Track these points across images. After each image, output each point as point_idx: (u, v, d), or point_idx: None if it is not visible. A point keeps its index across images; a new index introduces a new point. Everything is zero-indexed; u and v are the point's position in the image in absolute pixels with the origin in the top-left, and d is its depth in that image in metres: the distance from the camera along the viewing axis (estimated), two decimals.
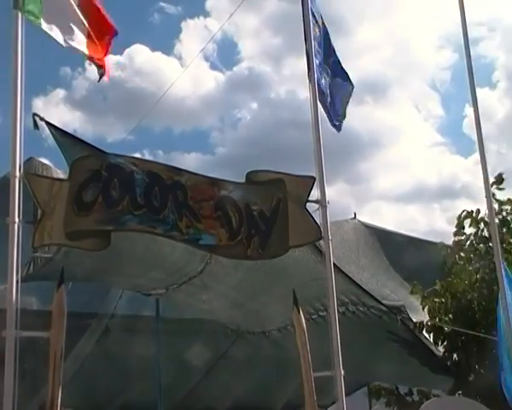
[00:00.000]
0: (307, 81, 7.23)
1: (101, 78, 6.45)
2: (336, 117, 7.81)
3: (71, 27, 5.98)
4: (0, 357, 4.92)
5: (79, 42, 6.06)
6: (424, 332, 11.13)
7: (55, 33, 5.87)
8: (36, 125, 5.54)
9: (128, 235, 6.65)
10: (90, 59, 6.30)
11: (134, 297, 11.01)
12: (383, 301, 10.19)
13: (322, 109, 7.36)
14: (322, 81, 7.46)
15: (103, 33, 6.35)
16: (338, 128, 7.90)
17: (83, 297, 10.35)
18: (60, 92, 33.71)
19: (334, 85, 7.80)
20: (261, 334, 11.18)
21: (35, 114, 5.56)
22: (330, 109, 7.64)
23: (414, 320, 10.95)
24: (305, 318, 6.39)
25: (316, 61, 7.25)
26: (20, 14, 5.54)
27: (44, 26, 5.75)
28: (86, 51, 6.15)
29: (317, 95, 7.17)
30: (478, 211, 11.52)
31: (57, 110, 30.99)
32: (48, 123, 5.67)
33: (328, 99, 7.61)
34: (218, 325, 11.26)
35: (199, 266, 8.73)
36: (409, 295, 12.17)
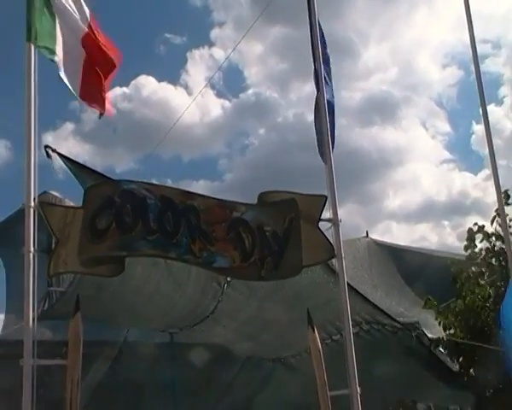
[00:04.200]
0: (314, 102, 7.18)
1: (101, 115, 6.53)
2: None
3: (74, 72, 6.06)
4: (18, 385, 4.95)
5: (74, 84, 6.12)
6: (440, 348, 11.03)
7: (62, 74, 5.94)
8: (48, 155, 5.62)
9: (138, 275, 6.68)
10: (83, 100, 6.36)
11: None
12: (398, 319, 10.15)
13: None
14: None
15: (107, 68, 6.44)
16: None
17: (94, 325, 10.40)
18: (69, 126, 34.03)
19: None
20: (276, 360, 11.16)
21: (47, 146, 5.66)
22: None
23: (429, 336, 10.88)
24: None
25: (325, 81, 7.20)
26: (32, 47, 5.59)
27: (57, 60, 5.82)
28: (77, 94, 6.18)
29: (326, 113, 7.12)
30: (483, 226, 11.60)
31: (67, 143, 31.31)
32: (60, 154, 5.77)
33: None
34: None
35: (211, 305, 8.68)
36: (423, 312, 12.10)
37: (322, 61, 7.19)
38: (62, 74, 5.85)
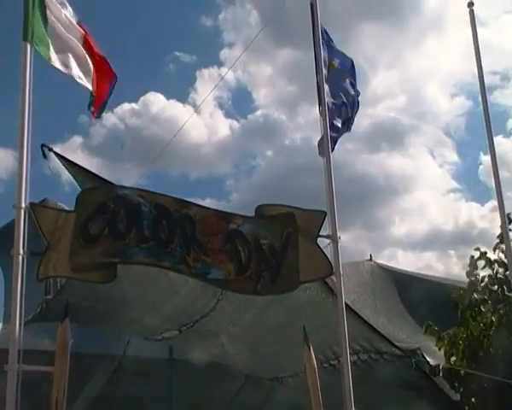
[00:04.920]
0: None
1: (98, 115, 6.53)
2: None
3: (77, 67, 6.03)
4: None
5: (85, 81, 6.11)
6: (441, 375, 10.81)
7: (65, 69, 5.92)
8: (44, 155, 5.54)
9: (136, 266, 6.54)
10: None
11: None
12: (399, 345, 9.95)
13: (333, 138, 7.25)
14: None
15: (104, 75, 6.44)
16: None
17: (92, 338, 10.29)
18: (77, 139, 34.04)
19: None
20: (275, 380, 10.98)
21: (43, 145, 5.56)
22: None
23: (430, 363, 10.67)
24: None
25: (327, 94, 7.16)
26: (29, 47, 5.56)
27: (54, 62, 5.80)
28: (91, 88, 6.18)
29: (328, 124, 7.06)
30: (485, 253, 11.46)
31: (75, 156, 31.22)
32: (56, 153, 5.67)
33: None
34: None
35: (211, 302, 8.55)
36: (426, 339, 11.89)
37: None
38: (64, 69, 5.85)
